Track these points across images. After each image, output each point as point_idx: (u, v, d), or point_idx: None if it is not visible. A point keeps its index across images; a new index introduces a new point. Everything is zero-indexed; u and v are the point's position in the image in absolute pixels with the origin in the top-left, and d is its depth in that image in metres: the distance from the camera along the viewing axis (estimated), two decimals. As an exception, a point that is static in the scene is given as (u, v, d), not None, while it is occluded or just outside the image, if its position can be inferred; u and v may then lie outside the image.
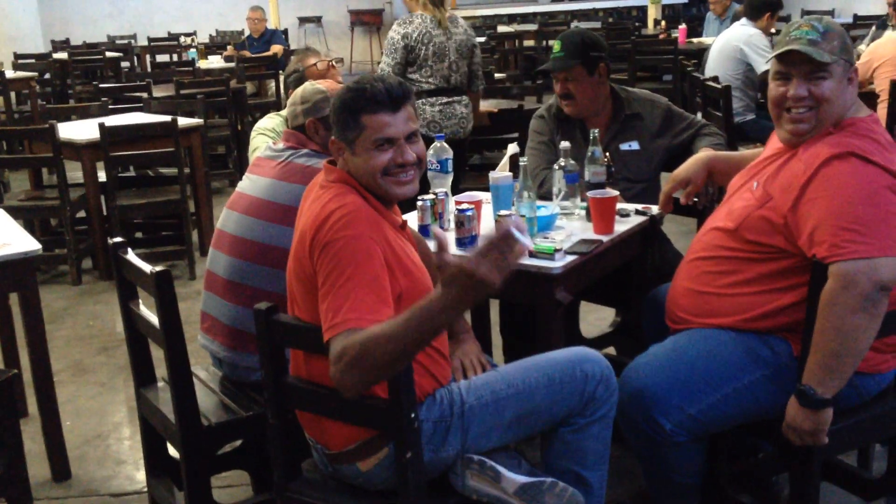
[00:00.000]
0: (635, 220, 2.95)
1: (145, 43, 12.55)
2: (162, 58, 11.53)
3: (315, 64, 3.43)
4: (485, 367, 2.44)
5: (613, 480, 2.92)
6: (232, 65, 8.68)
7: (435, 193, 2.91)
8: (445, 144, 3.10)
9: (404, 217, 2.85)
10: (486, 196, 3.08)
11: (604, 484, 2.28)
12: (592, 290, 3.33)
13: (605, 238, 2.77)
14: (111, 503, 3.04)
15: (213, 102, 7.01)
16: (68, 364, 4.22)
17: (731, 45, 5.97)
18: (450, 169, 3.10)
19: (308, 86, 2.77)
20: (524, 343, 3.19)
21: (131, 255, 2.53)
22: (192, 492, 2.47)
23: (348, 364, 1.84)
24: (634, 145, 3.38)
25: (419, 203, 2.86)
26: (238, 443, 2.86)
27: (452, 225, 2.83)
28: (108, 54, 10.66)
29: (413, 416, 1.96)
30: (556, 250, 2.58)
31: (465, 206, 2.72)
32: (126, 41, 12.68)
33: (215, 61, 9.38)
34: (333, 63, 3.47)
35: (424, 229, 2.86)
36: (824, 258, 2.15)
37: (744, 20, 6.10)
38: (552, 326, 2.62)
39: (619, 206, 3.00)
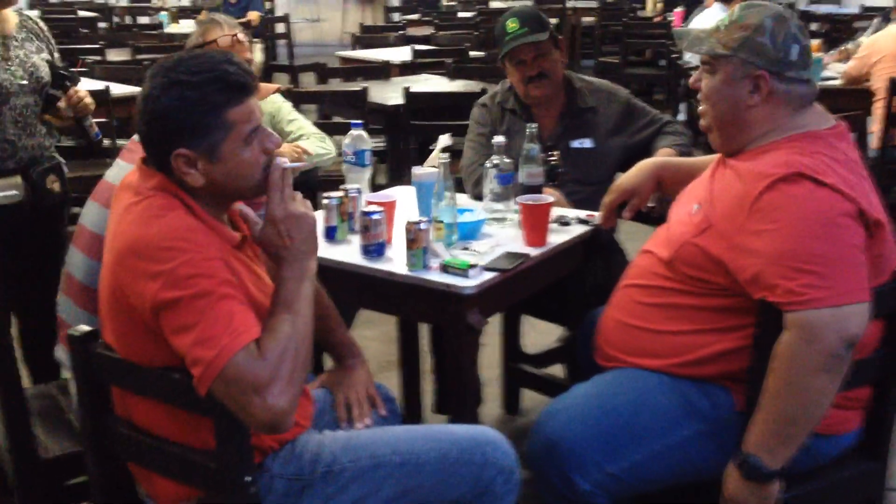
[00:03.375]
0: (577, 230, 2.56)
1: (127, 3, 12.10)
2: (143, 20, 11.08)
3: (216, 40, 2.95)
4: (375, 404, 2.07)
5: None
6: (201, 30, 8.25)
7: (345, 190, 2.51)
8: (364, 133, 2.70)
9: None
10: (406, 194, 2.70)
11: None
12: (533, 303, 2.96)
13: (535, 251, 2.38)
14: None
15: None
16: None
17: None
18: (367, 161, 2.70)
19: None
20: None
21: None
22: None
23: (278, 383, 1.52)
24: (587, 143, 2.99)
25: (325, 201, 2.46)
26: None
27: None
28: (82, 13, 10.20)
29: (248, 479, 1.58)
30: (471, 266, 2.19)
31: (372, 207, 2.33)
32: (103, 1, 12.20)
33: (187, 26, 8.92)
34: (239, 37, 2.99)
35: (331, 231, 2.47)
36: (779, 305, 1.77)
37: (716, 5, 5.88)
38: (463, 354, 2.23)
39: (561, 212, 2.63)
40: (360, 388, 2.06)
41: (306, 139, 3.00)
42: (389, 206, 2.45)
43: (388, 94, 4.95)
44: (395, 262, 2.30)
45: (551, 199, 2.45)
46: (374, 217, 2.31)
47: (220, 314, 1.52)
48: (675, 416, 1.97)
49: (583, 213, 2.65)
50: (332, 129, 3.69)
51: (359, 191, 2.56)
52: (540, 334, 3.54)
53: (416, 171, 2.63)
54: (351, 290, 2.37)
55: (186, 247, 1.56)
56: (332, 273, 2.32)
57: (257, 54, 8.96)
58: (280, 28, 10.87)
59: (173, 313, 1.53)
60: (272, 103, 3.08)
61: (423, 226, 2.23)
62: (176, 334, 1.53)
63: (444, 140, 2.83)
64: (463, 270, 2.19)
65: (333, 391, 2.07)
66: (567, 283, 2.68)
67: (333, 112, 4.97)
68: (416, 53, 6.35)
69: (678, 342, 2.00)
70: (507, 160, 2.61)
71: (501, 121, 3.02)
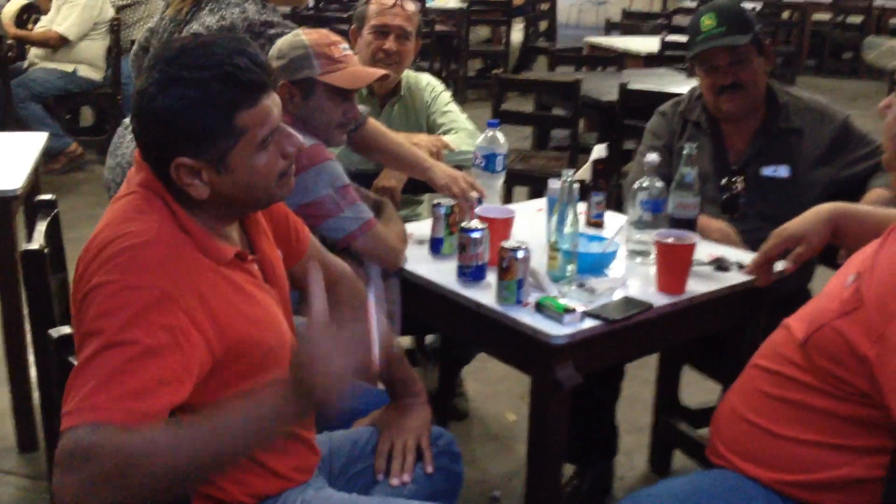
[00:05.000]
0: (735, 279, 2.08)
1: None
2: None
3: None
4: (422, 457, 1.74)
5: None
6: (463, 6, 8.14)
7: (456, 199, 2.19)
8: (499, 134, 2.35)
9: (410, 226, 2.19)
10: (537, 208, 2.34)
11: None
12: (695, 353, 2.51)
13: (664, 300, 1.95)
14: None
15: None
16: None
17: None
18: (499, 167, 2.36)
19: (290, 37, 2.12)
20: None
21: None
22: None
23: (92, 476, 1.14)
24: (783, 171, 2.46)
25: (434, 209, 2.16)
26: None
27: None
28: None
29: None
30: (568, 310, 1.81)
31: (473, 224, 2.00)
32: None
33: (452, 2, 8.86)
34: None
35: (436, 243, 2.17)
36: None
37: None
38: (551, 412, 1.86)
39: (723, 252, 2.17)
40: (409, 435, 1.75)
41: (454, 133, 2.69)
42: (501, 224, 2.10)
43: (611, 87, 4.52)
44: (492, 290, 1.95)
45: (694, 240, 1.99)
46: (473, 235, 1.97)
47: (114, 368, 1.22)
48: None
49: (750, 258, 2.17)
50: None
51: (479, 201, 2.23)
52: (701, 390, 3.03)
53: (553, 184, 2.25)
54: (440, 314, 2.06)
55: (127, 265, 1.30)
56: (423, 292, 2.03)
57: (516, 34, 8.76)
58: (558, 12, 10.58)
59: (82, 328, 1.28)
60: (429, 91, 2.79)
61: (519, 254, 1.87)
62: (77, 352, 1.28)
63: (599, 150, 2.42)
64: (558, 314, 1.81)
65: (380, 433, 1.77)
66: (726, 338, 2.23)
67: (550, 103, 4.63)
68: (666, 45, 5.82)
69: (799, 454, 1.52)
70: (659, 184, 2.17)
71: (681, 134, 2.56)
